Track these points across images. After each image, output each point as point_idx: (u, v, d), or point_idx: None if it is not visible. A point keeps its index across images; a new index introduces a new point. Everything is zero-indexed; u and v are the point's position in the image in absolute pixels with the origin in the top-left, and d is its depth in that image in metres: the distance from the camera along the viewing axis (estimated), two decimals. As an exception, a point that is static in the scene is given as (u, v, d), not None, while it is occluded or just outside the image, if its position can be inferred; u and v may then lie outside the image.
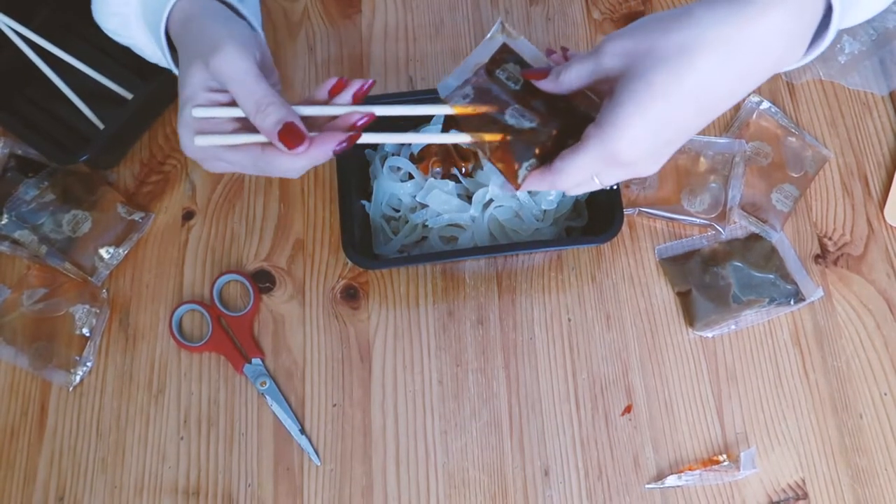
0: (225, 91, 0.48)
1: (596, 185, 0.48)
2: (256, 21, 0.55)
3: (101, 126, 0.70)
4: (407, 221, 0.65)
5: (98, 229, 0.67)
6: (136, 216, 0.68)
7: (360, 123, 0.49)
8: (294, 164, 0.48)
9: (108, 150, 0.69)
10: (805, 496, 0.60)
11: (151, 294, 0.67)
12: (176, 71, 0.54)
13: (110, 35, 0.58)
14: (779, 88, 0.73)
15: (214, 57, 0.46)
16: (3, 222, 0.66)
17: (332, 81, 0.49)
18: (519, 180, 0.48)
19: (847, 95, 0.73)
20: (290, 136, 0.46)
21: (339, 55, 0.76)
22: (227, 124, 0.49)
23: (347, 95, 0.49)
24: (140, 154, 0.72)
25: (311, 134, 0.47)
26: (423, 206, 0.65)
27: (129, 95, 0.71)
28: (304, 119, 0.47)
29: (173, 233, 0.69)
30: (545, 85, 0.48)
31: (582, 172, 0.46)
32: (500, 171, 0.49)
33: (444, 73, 0.75)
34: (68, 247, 0.67)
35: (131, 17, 0.54)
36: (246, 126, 0.48)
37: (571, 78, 0.47)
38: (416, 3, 0.78)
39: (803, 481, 0.60)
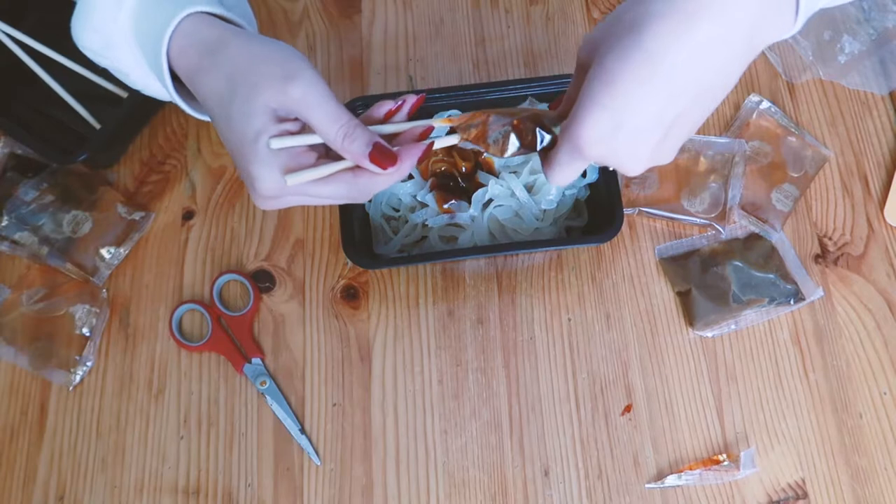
0: (293, 120, 0.46)
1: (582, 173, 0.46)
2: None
3: (98, 126, 0.70)
4: (407, 221, 0.65)
5: (98, 229, 0.67)
6: (136, 216, 0.68)
7: (425, 134, 0.48)
8: (385, 182, 0.47)
9: (106, 149, 0.69)
10: (805, 496, 0.60)
11: (151, 294, 0.67)
12: (177, 100, 0.50)
13: (89, 55, 0.53)
14: (779, 88, 0.73)
15: (292, 84, 0.44)
16: (3, 224, 0.66)
17: (390, 105, 0.49)
18: (507, 153, 0.48)
19: (847, 95, 0.73)
20: (383, 156, 0.45)
21: (339, 55, 0.76)
22: (304, 155, 0.46)
23: (404, 112, 0.49)
24: (140, 154, 0.72)
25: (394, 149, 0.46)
26: (423, 205, 0.65)
27: (124, 94, 0.71)
28: None
29: (173, 232, 0.69)
30: (563, 107, 0.48)
31: (570, 170, 0.44)
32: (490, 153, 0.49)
33: (443, 73, 0.75)
34: (69, 247, 0.67)
35: (118, 37, 0.49)
36: (322, 153, 0.47)
37: (571, 90, 0.47)
38: (416, 3, 0.78)
39: (803, 481, 0.60)
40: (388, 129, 0.49)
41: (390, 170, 0.45)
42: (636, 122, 0.39)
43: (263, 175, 0.45)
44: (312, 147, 0.47)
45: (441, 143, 0.49)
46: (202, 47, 0.46)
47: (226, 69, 0.45)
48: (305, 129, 0.46)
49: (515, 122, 0.47)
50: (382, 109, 0.49)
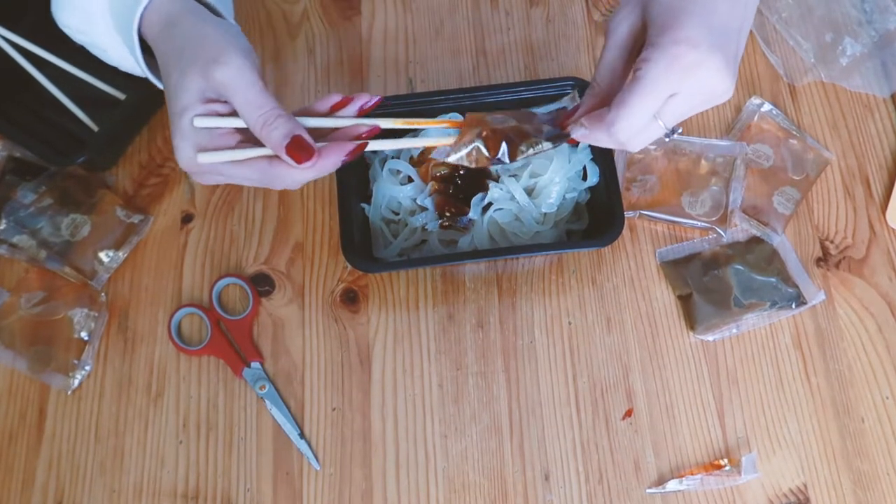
0: (223, 102, 0.47)
1: (658, 130, 0.45)
2: (231, 18, 0.54)
3: (96, 128, 0.70)
4: (406, 224, 0.65)
5: (97, 233, 0.67)
6: (135, 219, 0.68)
7: (365, 134, 0.48)
8: (301, 176, 0.47)
9: (104, 152, 0.69)
10: (807, 501, 0.59)
11: (150, 297, 0.67)
12: (148, 75, 0.52)
13: (68, 32, 0.55)
14: (780, 91, 0.73)
15: (217, 68, 0.45)
16: (1, 227, 0.66)
17: (336, 98, 0.49)
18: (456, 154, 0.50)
19: (848, 97, 0.72)
20: (299, 149, 0.45)
21: (338, 57, 0.76)
22: (227, 137, 0.47)
23: (352, 109, 0.49)
24: (138, 157, 0.72)
25: (318, 144, 0.46)
26: (423, 209, 0.65)
27: (121, 96, 0.71)
28: (308, 131, 0.47)
29: (172, 236, 0.69)
30: (588, 102, 0.48)
31: (643, 104, 0.43)
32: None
33: (443, 75, 0.75)
34: (67, 251, 0.66)
35: (96, 14, 0.52)
36: (248, 137, 0.48)
37: (604, 75, 0.47)
38: (415, 4, 0.78)
39: (805, 486, 0.60)
40: (326, 122, 0.48)
41: (306, 164, 0.46)
42: (721, 21, 0.42)
43: (181, 148, 0.47)
44: (239, 131, 0.48)
45: (436, 142, 0.49)
46: (163, 21, 0.48)
47: (174, 43, 0.48)
48: (236, 112, 0.47)
49: (484, 132, 0.48)
50: (328, 102, 0.49)
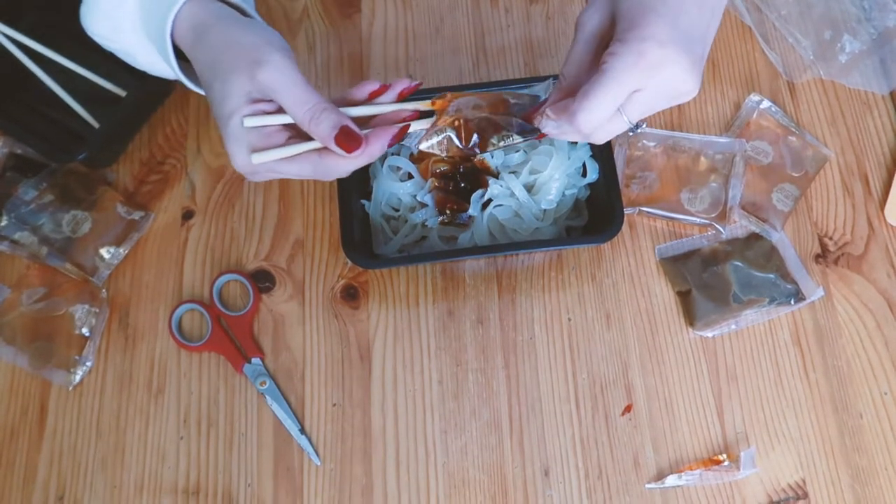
0: (269, 101, 0.48)
1: (622, 124, 0.46)
2: (254, 12, 0.54)
3: (97, 125, 0.70)
4: (406, 221, 0.65)
5: (98, 229, 0.67)
6: (136, 215, 0.68)
7: (409, 117, 0.50)
8: (351, 165, 0.48)
9: (105, 149, 0.69)
10: (805, 496, 0.60)
11: (151, 294, 0.67)
12: (182, 79, 0.53)
13: (97, 40, 0.56)
14: (779, 88, 0.73)
15: (260, 69, 0.46)
16: (2, 224, 0.66)
17: (374, 86, 0.50)
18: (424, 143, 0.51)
19: (847, 95, 0.72)
20: (348, 139, 0.46)
21: (339, 55, 0.76)
22: (276, 134, 0.48)
23: (392, 95, 0.50)
24: (139, 153, 0.72)
25: (363, 132, 0.47)
26: (423, 205, 0.65)
27: (122, 93, 0.71)
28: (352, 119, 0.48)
29: (173, 232, 0.69)
30: (555, 96, 0.48)
31: (607, 97, 0.44)
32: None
33: (443, 72, 0.75)
34: (69, 247, 0.66)
35: (125, 21, 0.53)
36: (296, 132, 0.48)
37: (571, 68, 0.47)
38: (416, 2, 0.78)
39: (803, 481, 0.60)
40: (368, 110, 0.49)
41: (356, 153, 0.47)
42: (688, 21, 0.43)
43: (235, 151, 0.48)
44: (287, 127, 0.49)
45: (417, 125, 0.50)
46: (194, 30, 0.49)
47: (209, 53, 0.49)
48: (282, 109, 0.48)
49: (457, 122, 0.49)
50: (365, 90, 0.50)
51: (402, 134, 0.49)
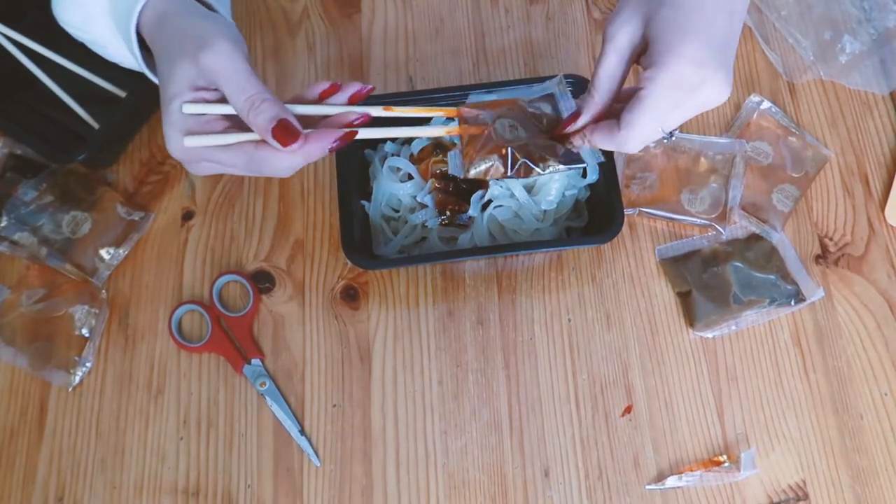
0: (213, 89, 0.47)
1: (658, 134, 0.48)
2: (228, 17, 0.54)
3: (97, 125, 0.70)
4: (406, 222, 0.65)
5: (98, 230, 0.67)
6: (136, 216, 0.68)
7: (355, 122, 0.48)
8: (288, 161, 0.47)
9: (105, 149, 0.69)
10: (805, 497, 0.60)
11: (151, 294, 0.67)
12: (145, 70, 0.53)
13: (69, 30, 0.56)
14: (779, 88, 0.73)
15: (205, 53, 0.46)
16: (2, 224, 0.66)
17: (325, 85, 0.49)
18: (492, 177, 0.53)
19: (848, 95, 0.72)
20: (285, 133, 0.45)
21: (338, 55, 0.76)
22: (215, 123, 0.48)
23: (343, 97, 0.49)
24: (139, 154, 0.72)
25: (306, 131, 0.46)
26: (423, 206, 0.65)
27: (122, 93, 0.71)
28: (297, 118, 0.47)
29: (173, 233, 0.69)
30: (589, 112, 0.49)
31: (650, 121, 0.46)
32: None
33: (443, 72, 0.75)
34: (68, 248, 0.66)
35: (96, 11, 0.53)
36: (236, 125, 0.48)
37: (603, 83, 0.48)
38: (416, 3, 0.78)
39: (804, 482, 0.60)
40: (316, 110, 0.49)
41: (292, 147, 0.46)
42: (720, 34, 0.44)
43: (170, 135, 0.48)
44: (228, 118, 0.48)
45: (431, 132, 0.50)
46: (156, 20, 0.49)
47: (165, 37, 0.49)
48: (224, 99, 0.47)
49: (503, 151, 0.51)
50: (317, 89, 0.50)
51: (349, 138, 0.47)
